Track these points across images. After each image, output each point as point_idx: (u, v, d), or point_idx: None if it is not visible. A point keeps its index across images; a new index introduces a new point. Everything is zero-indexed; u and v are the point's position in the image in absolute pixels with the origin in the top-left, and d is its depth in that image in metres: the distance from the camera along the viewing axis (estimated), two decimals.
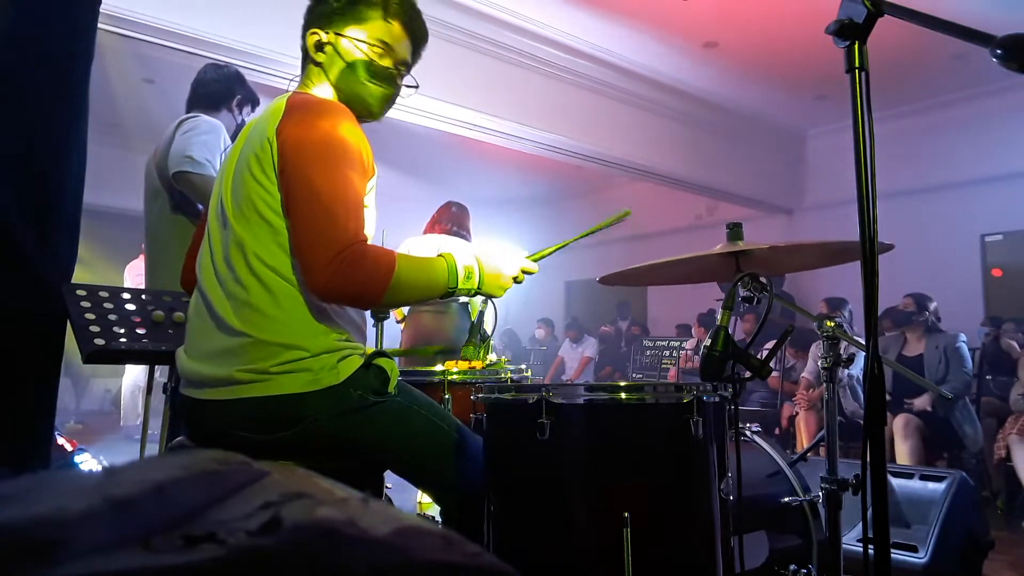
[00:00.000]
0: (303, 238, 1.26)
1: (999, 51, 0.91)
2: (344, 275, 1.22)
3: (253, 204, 1.31)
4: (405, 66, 1.50)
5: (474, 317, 3.64)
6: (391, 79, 1.47)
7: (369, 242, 1.41)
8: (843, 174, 5.11)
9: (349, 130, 1.31)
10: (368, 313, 1.50)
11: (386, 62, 1.46)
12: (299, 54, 1.51)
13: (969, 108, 6.66)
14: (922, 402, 4.26)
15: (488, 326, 3.67)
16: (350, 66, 1.44)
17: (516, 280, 1.48)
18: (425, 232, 3.85)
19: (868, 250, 1.01)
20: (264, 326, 1.28)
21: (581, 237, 1.61)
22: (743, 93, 6.73)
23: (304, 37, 1.47)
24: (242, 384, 1.27)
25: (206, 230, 1.44)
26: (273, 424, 1.29)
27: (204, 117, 2.47)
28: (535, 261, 1.53)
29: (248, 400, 1.27)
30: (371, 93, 1.46)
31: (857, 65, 1.04)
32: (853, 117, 1.04)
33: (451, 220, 3.81)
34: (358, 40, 1.44)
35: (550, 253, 1.60)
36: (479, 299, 2.82)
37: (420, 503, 2.70)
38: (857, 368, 4.62)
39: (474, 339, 2.21)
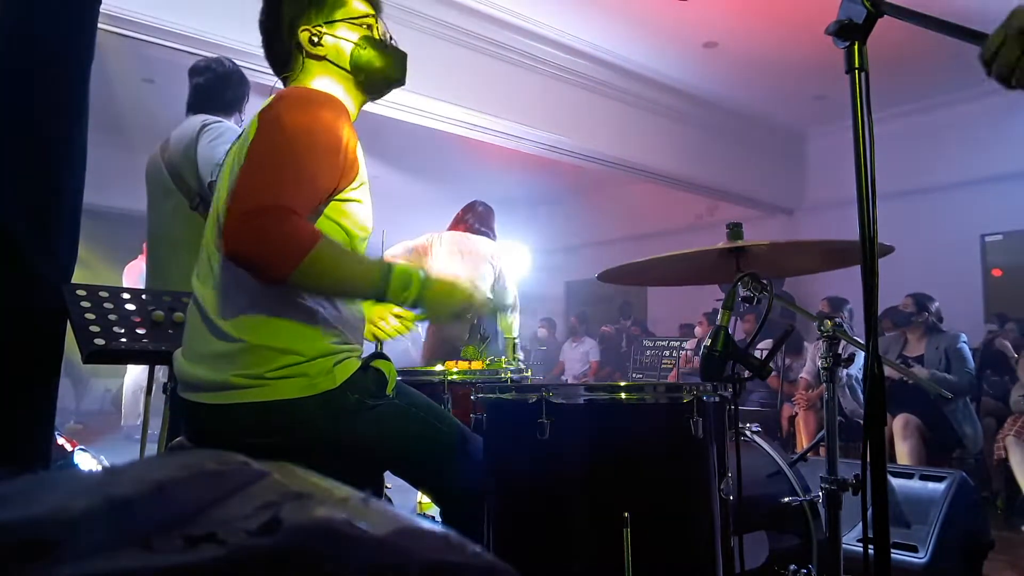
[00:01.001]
0: (233, 191, 1.21)
1: None
2: (255, 234, 1.14)
3: None
4: (384, 28, 1.53)
5: (502, 325, 3.64)
6: (388, 44, 1.50)
7: (365, 240, 1.40)
8: (843, 174, 5.09)
9: (323, 119, 1.29)
10: (362, 307, 1.49)
11: (377, 32, 1.49)
12: None
13: (969, 108, 6.65)
14: (920, 371, 4.19)
15: (514, 329, 3.67)
16: (358, 47, 1.45)
17: (456, 313, 1.35)
18: (448, 229, 3.83)
19: (868, 250, 1.01)
20: (258, 331, 1.27)
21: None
22: (743, 93, 6.72)
23: (289, 37, 1.44)
24: (238, 389, 1.27)
25: (204, 236, 1.44)
26: (271, 429, 1.28)
27: (227, 123, 2.46)
28: (489, 310, 1.42)
29: (245, 405, 1.27)
30: (387, 63, 1.48)
31: (857, 65, 1.04)
32: (853, 117, 1.04)
33: (476, 219, 3.79)
34: (350, 21, 1.46)
35: (501, 318, 1.50)
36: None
37: (420, 503, 2.70)
38: (856, 368, 4.61)
39: (474, 339, 2.21)
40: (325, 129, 1.27)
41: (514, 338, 3.62)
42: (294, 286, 1.22)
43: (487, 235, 3.75)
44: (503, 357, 2.27)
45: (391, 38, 1.52)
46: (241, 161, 1.27)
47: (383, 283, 1.25)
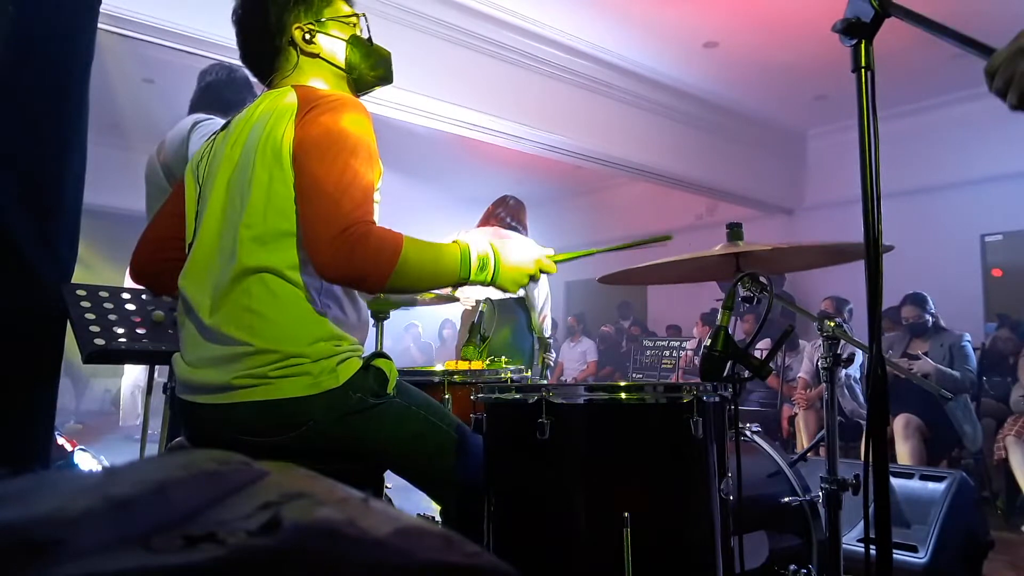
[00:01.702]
0: (308, 221, 1.25)
1: None
2: (348, 253, 1.20)
3: (268, 202, 1.29)
4: (367, 28, 1.55)
5: (533, 324, 3.61)
6: (372, 44, 1.53)
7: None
8: (843, 174, 5.10)
9: (356, 122, 1.32)
10: (368, 313, 1.50)
11: (360, 31, 1.52)
12: None
13: (969, 108, 6.65)
14: (926, 364, 4.19)
15: (546, 329, 3.64)
16: (349, 45, 1.48)
17: (533, 277, 1.46)
18: (479, 225, 3.82)
19: (872, 251, 1.01)
20: (265, 333, 1.26)
21: (610, 250, 1.57)
22: (743, 93, 6.72)
23: (279, 34, 1.45)
24: (241, 389, 1.26)
25: (194, 237, 1.42)
26: (273, 428, 1.28)
27: (218, 120, 2.47)
28: (556, 262, 1.49)
29: (247, 404, 1.26)
30: (377, 61, 1.52)
31: (863, 64, 1.04)
32: (859, 116, 1.03)
33: (508, 213, 3.78)
34: (339, 20, 1.48)
35: (573, 258, 1.55)
36: (483, 300, 2.82)
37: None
38: (855, 368, 4.62)
39: (474, 339, 2.21)
40: (367, 132, 1.32)
41: (547, 338, 3.59)
42: (392, 290, 1.29)
43: (518, 230, 3.74)
44: (502, 358, 2.26)
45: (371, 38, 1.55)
46: (280, 169, 1.28)
47: (465, 270, 1.34)
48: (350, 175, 1.25)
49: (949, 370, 4.16)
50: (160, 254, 1.52)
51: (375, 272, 1.23)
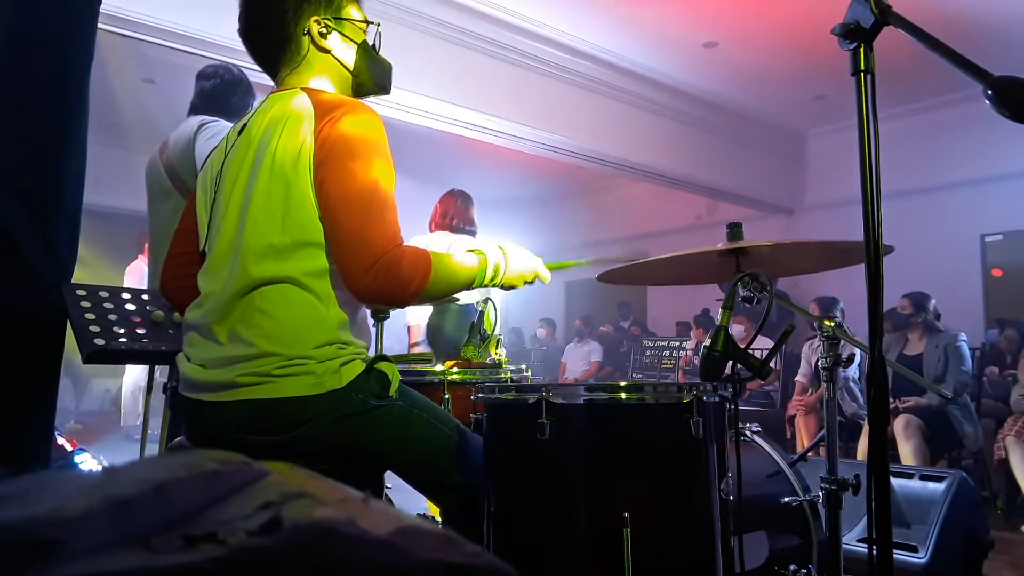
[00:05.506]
0: (342, 243, 1.28)
1: (990, 92, 0.89)
2: (383, 280, 1.25)
3: (286, 212, 1.29)
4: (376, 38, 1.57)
5: (488, 324, 3.63)
6: (378, 53, 1.54)
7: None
8: (843, 174, 5.10)
9: (378, 128, 1.33)
10: (368, 313, 1.51)
11: (370, 37, 1.53)
12: None
13: (969, 108, 6.65)
14: (916, 401, 4.25)
15: (491, 326, 3.66)
16: (363, 48, 1.49)
17: (528, 282, 1.55)
18: (432, 229, 3.83)
19: (873, 252, 1.01)
20: (274, 336, 1.26)
21: (595, 262, 1.77)
22: (743, 93, 6.72)
23: (294, 23, 1.43)
24: (244, 387, 1.26)
25: (208, 242, 1.42)
26: (274, 427, 1.28)
27: (224, 122, 2.46)
28: (550, 270, 1.60)
29: (249, 402, 1.26)
30: (383, 69, 1.54)
31: (863, 68, 1.03)
32: (858, 121, 1.03)
33: (456, 214, 3.80)
34: (354, 23, 1.49)
35: (564, 267, 1.70)
36: (479, 300, 2.82)
37: (431, 504, 2.69)
38: (853, 369, 4.62)
39: (474, 339, 2.21)
40: (384, 140, 1.34)
41: (494, 335, 3.62)
42: (420, 304, 1.40)
43: (469, 232, 3.77)
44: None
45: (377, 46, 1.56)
46: (296, 174, 1.29)
47: (480, 276, 1.42)
48: (381, 195, 1.28)
49: (938, 388, 4.17)
50: (183, 269, 1.51)
51: (408, 292, 1.28)
